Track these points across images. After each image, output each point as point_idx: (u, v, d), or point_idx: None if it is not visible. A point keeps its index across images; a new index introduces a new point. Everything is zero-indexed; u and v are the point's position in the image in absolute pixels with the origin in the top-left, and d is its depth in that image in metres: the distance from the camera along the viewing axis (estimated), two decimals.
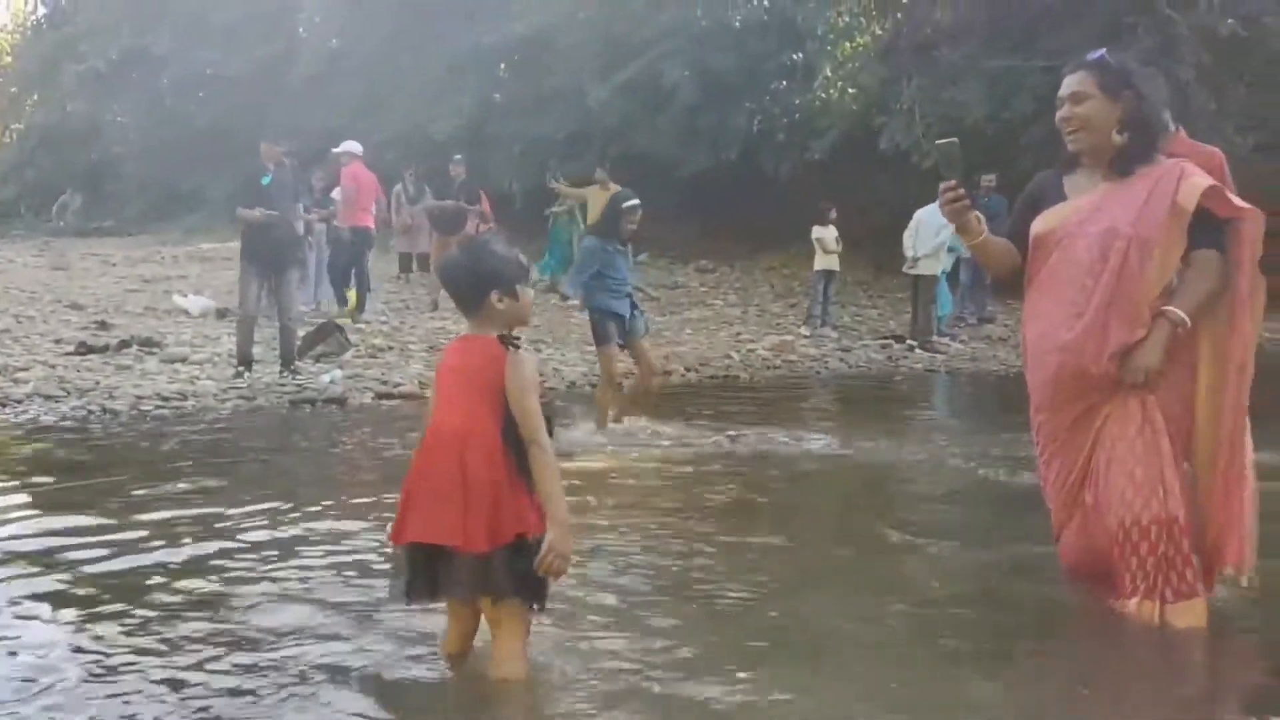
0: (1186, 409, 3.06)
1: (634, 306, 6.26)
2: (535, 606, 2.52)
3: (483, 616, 2.59)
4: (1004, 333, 11.85)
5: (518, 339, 2.55)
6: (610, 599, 3.19)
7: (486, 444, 2.46)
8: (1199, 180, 3.00)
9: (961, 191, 3.12)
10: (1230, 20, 11.47)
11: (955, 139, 3.20)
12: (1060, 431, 3.17)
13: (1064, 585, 3.29)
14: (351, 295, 11.08)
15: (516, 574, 2.44)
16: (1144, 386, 3.02)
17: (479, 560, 2.43)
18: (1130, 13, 11.91)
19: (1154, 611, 2.97)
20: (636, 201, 6.24)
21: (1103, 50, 3.14)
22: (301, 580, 3.37)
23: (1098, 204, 3.09)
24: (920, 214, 11.22)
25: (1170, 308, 2.99)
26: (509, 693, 2.52)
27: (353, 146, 11.54)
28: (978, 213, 3.20)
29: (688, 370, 9.12)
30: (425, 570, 2.51)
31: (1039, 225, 3.17)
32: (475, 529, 2.43)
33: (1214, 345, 3.04)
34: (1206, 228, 3.01)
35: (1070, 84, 3.11)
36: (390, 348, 9.41)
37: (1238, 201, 2.99)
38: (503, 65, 19.64)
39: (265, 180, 7.86)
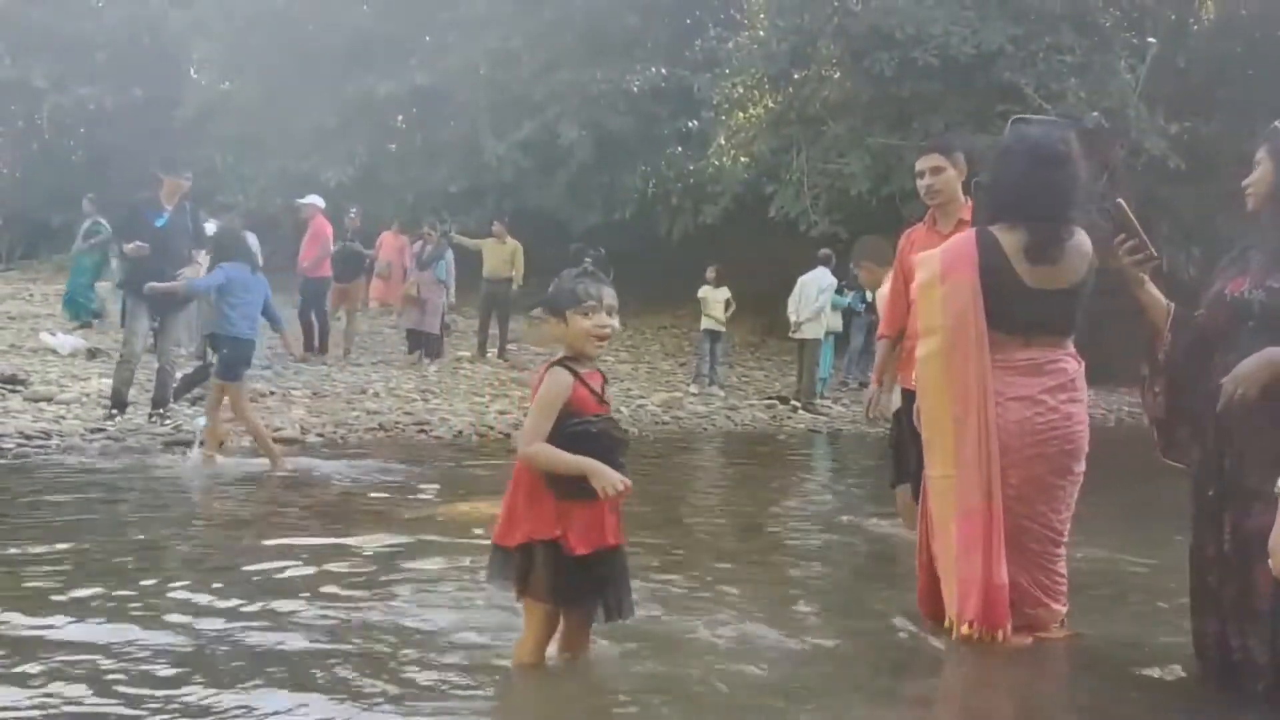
0: None
1: None
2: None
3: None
4: None
5: (572, 359, 2.84)
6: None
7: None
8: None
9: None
10: (1095, 113, 12.30)
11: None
12: None
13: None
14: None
15: (521, 572, 2.80)
16: None
17: (501, 553, 2.83)
18: (1002, 101, 12.65)
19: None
20: None
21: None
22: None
23: None
24: (803, 279, 11.55)
25: None
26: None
27: (316, 200, 11.84)
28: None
29: None
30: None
31: None
32: (503, 527, 2.85)
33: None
34: None
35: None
36: (273, 393, 9.18)
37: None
38: (400, 117, 19.59)
39: (160, 221, 7.38)
